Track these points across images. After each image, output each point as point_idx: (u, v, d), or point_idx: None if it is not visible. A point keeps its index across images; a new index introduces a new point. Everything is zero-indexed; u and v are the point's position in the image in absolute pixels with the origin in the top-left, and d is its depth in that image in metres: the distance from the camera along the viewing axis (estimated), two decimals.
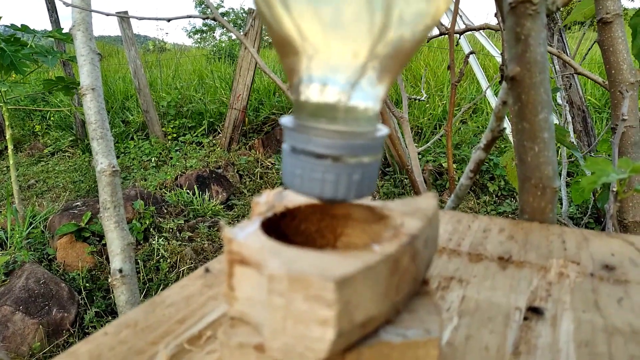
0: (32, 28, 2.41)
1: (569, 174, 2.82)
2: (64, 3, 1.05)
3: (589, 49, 1.74)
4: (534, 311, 0.29)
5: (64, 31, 2.54)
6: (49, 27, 4.18)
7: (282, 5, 0.21)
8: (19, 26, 2.36)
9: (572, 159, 1.84)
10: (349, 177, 0.23)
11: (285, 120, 0.25)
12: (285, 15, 0.22)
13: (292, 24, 0.22)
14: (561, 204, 1.90)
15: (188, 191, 3.14)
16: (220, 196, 3.20)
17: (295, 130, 0.24)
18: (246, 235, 0.23)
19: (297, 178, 0.24)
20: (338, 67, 0.22)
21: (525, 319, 0.28)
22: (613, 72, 0.80)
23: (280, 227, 0.27)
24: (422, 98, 1.59)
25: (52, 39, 2.78)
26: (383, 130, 0.25)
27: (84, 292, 2.15)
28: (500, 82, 0.79)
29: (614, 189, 0.61)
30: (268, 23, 0.23)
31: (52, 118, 5.18)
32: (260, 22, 3.55)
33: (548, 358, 0.25)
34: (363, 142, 0.23)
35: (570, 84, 2.20)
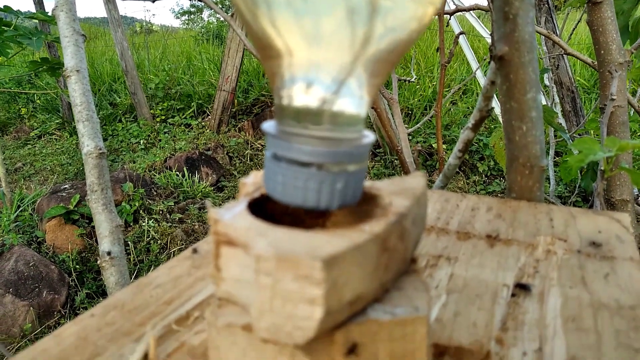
0: (15, 9, 2.35)
1: (557, 153, 2.84)
2: None
3: (573, 29, 1.74)
4: (522, 288, 0.29)
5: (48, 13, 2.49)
6: (33, 9, 4.09)
7: (266, 10, 0.20)
8: (2, 7, 2.31)
9: (560, 139, 1.85)
10: (332, 185, 0.22)
11: (267, 126, 0.24)
12: (269, 24, 0.21)
13: (273, 29, 0.21)
14: (549, 182, 1.92)
15: (177, 173, 3.12)
16: (210, 178, 3.19)
17: (276, 136, 0.23)
18: (233, 216, 0.22)
19: (279, 185, 0.23)
20: (321, 73, 0.21)
21: (512, 295, 0.28)
22: (602, 52, 0.80)
23: (267, 208, 0.27)
24: (412, 79, 1.58)
25: (36, 21, 2.73)
26: (369, 137, 0.24)
27: (74, 274, 2.14)
28: (489, 63, 0.78)
29: (602, 168, 0.61)
30: (248, 24, 0.22)
31: (38, 101, 5.10)
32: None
33: (535, 334, 0.25)
34: (347, 150, 0.22)
35: (558, 65, 2.20)
